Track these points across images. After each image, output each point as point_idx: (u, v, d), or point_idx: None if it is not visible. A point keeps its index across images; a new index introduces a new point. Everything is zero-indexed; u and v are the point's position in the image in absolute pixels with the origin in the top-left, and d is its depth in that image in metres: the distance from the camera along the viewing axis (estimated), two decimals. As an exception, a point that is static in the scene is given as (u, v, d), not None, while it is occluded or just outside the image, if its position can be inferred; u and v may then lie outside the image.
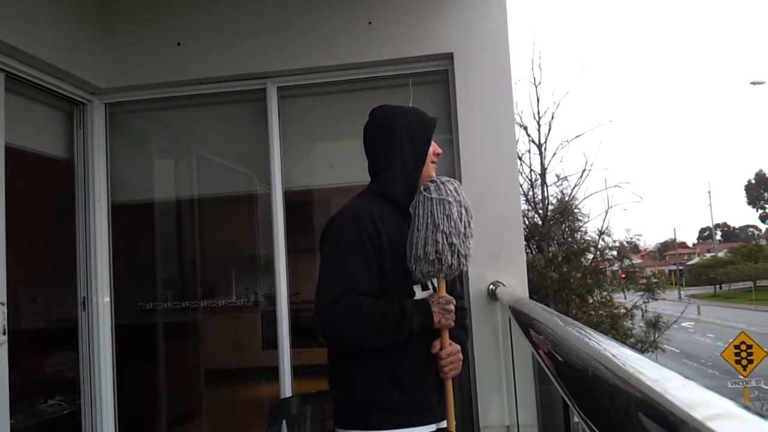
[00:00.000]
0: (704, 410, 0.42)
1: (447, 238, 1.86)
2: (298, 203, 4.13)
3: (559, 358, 0.92)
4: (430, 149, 2.08)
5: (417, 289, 1.99)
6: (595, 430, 0.59)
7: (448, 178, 1.97)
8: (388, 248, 1.94)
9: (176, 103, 4.15)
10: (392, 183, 2.03)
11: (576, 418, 1.81)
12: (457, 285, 2.16)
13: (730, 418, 0.40)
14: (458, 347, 2.00)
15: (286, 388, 3.72)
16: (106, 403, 3.81)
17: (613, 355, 0.67)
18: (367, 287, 1.90)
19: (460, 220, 1.89)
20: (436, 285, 2.00)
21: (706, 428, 0.39)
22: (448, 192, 1.90)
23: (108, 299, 3.90)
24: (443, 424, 2.03)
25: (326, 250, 1.98)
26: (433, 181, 1.94)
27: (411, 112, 2.15)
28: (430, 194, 1.90)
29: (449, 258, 1.87)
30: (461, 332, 2.11)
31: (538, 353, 1.18)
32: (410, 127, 2.06)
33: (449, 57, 3.72)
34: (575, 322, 1.09)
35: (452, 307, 1.95)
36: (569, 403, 0.78)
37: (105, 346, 3.85)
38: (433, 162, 2.10)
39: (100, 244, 3.90)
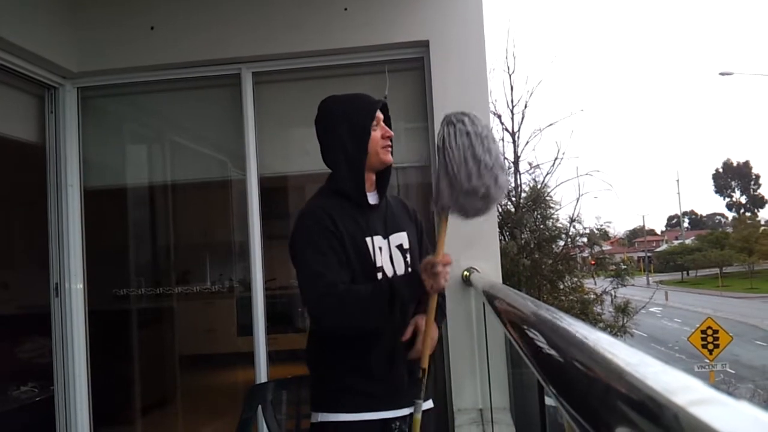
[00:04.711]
0: (686, 395, 0.41)
1: (491, 172, 1.83)
2: (273, 189, 4.12)
3: (537, 344, 0.92)
4: (378, 134, 2.04)
5: (381, 276, 2.00)
6: (575, 415, 0.59)
7: (472, 113, 1.94)
8: (349, 243, 1.95)
9: (150, 88, 4.10)
10: (341, 178, 2.02)
11: (549, 401, 1.85)
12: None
13: (712, 403, 0.40)
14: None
15: (262, 374, 3.73)
16: (80, 389, 3.79)
17: (591, 341, 0.66)
18: (344, 279, 1.91)
19: (500, 153, 1.89)
20: (395, 268, 2.01)
21: (687, 414, 0.39)
22: (485, 126, 1.89)
23: (81, 286, 3.86)
24: (421, 407, 2.06)
25: (299, 251, 1.98)
26: (465, 114, 1.90)
27: (351, 101, 2.08)
28: (466, 127, 1.86)
29: (495, 192, 1.86)
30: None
31: (514, 338, 1.20)
32: (348, 118, 2.02)
33: (425, 44, 3.73)
34: (550, 307, 1.11)
35: (440, 268, 1.88)
36: (547, 389, 0.79)
37: (78, 333, 3.82)
38: (385, 147, 2.06)
39: (73, 229, 3.85)
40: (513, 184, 12.95)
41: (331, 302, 1.88)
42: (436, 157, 1.90)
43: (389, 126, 2.11)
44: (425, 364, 1.96)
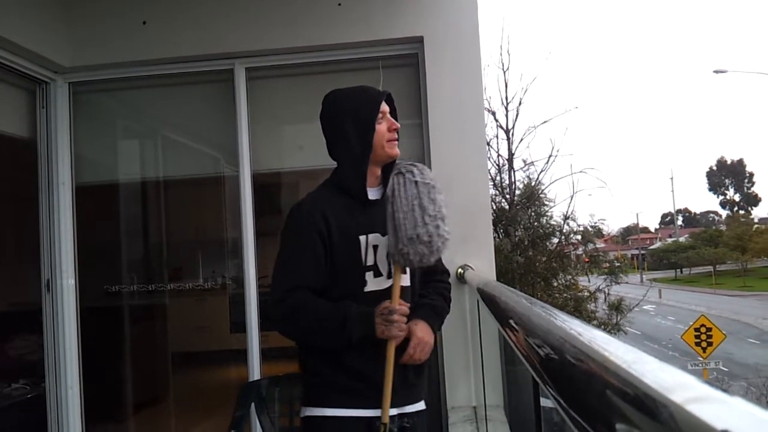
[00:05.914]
0: (683, 393, 0.41)
1: (433, 221, 1.84)
2: (266, 186, 4.11)
3: (532, 342, 0.92)
4: (383, 127, 2.01)
5: (369, 276, 1.98)
6: (572, 413, 0.59)
7: (420, 164, 1.95)
8: (340, 240, 1.95)
9: (142, 83, 4.07)
10: (344, 174, 2.02)
11: (544, 399, 1.84)
12: (441, 262, 2.14)
13: (709, 400, 0.40)
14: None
15: (255, 371, 3.71)
16: (72, 386, 3.76)
17: (588, 339, 0.66)
18: (313, 282, 1.93)
19: (443, 204, 1.88)
20: (392, 271, 1.95)
21: (685, 411, 0.39)
22: (432, 178, 1.89)
23: (73, 282, 3.83)
24: (407, 409, 2.05)
25: (280, 246, 2.01)
26: (414, 165, 1.91)
27: (355, 94, 2.05)
28: (414, 177, 1.86)
29: (437, 241, 1.85)
30: (429, 312, 2.09)
31: (509, 336, 1.19)
32: (353, 112, 1.99)
33: (419, 40, 3.71)
34: (545, 305, 1.10)
35: (396, 317, 1.89)
36: (542, 387, 0.79)
37: (70, 330, 3.79)
38: (391, 140, 2.02)
39: (64, 226, 3.82)
40: (507, 182, 12.98)
41: (285, 310, 1.93)
42: (387, 207, 1.88)
43: (395, 118, 2.08)
44: (386, 419, 1.92)
